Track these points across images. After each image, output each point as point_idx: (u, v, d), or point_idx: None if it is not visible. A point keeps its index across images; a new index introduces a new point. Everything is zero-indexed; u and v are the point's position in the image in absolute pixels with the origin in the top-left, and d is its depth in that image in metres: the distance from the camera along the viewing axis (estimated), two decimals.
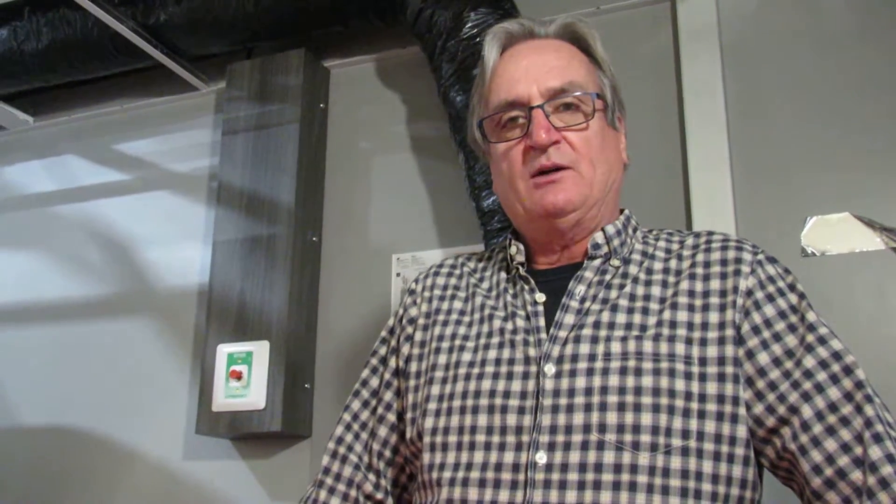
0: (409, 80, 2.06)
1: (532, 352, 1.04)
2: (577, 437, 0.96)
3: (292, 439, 1.90)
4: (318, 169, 2.07)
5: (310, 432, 1.89)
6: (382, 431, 1.19)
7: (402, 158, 2.02)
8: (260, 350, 1.86)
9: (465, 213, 1.82)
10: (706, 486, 0.94)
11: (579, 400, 0.98)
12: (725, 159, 1.67)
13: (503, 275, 1.17)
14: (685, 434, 0.95)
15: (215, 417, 1.86)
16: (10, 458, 2.17)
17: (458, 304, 1.17)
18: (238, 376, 1.85)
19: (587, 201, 1.08)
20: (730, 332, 1.00)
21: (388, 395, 1.20)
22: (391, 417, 1.19)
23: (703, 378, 0.98)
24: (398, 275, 1.91)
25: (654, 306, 1.04)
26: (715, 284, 1.04)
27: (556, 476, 0.94)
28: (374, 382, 1.22)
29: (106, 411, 2.10)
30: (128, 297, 2.20)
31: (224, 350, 1.89)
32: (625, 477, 0.93)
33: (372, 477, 1.18)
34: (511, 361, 1.05)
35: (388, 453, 1.18)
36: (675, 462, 0.94)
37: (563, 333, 1.04)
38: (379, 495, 1.18)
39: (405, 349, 1.18)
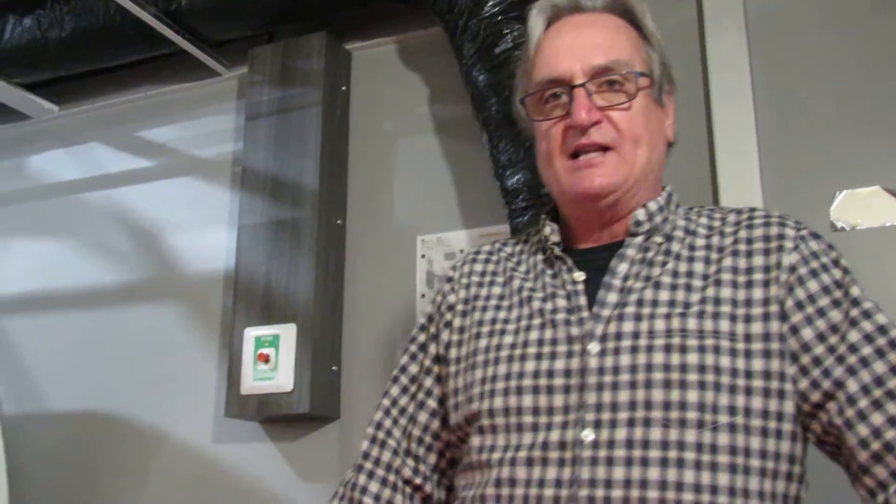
0: (430, 61, 2.05)
1: (574, 331, 1.03)
2: (623, 415, 0.96)
3: (320, 421, 1.91)
4: (341, 152, 2.06)
5: (338, 414, 1.91)
6: (423, 417, 1.19)
7: (424, 139, 2.01)
8: (287, 333, 1.87)
9: (490, 192, 1.81)
10: (754, 462, 0.94)
11: (624, 377, 0.97)
12: (752, 135, 1.66)
13: (539, 256, 1.16)
14: (732, 410, 0.94)
15: (244, 400, 1.87)
16: (40, 444, 2.19)
17: (496, 290, 1.16)
18: (266, 359, 1.86)
19: (625, 183, 1.07)
20: (774, 307, 1.00)
21: (428, 381, 1.19)
22: (432, 403, 1.19)
23: (748, 354, 0.97)
24: (423, 256, 1.91)
25: (696, 283, 1.03)
26: (758, 261, 1.03)
27: (602, 453, 0.95)
28: (413, 369, 1.22)
29: (135, 396, 2.12)
30: (155, 282, 2.21)
31: (251, 333, 1.90)
32: (672, 454, 0.93)
33: (410, 462, 1.18)
34: (554, 342, 1.04)
35: (428, 438, 1.18)
36: (723, 438, 0.93)
37: (606, 312, 1.03)
38: (418, 480, 1.18)
39: (445, 336, 1.18)
